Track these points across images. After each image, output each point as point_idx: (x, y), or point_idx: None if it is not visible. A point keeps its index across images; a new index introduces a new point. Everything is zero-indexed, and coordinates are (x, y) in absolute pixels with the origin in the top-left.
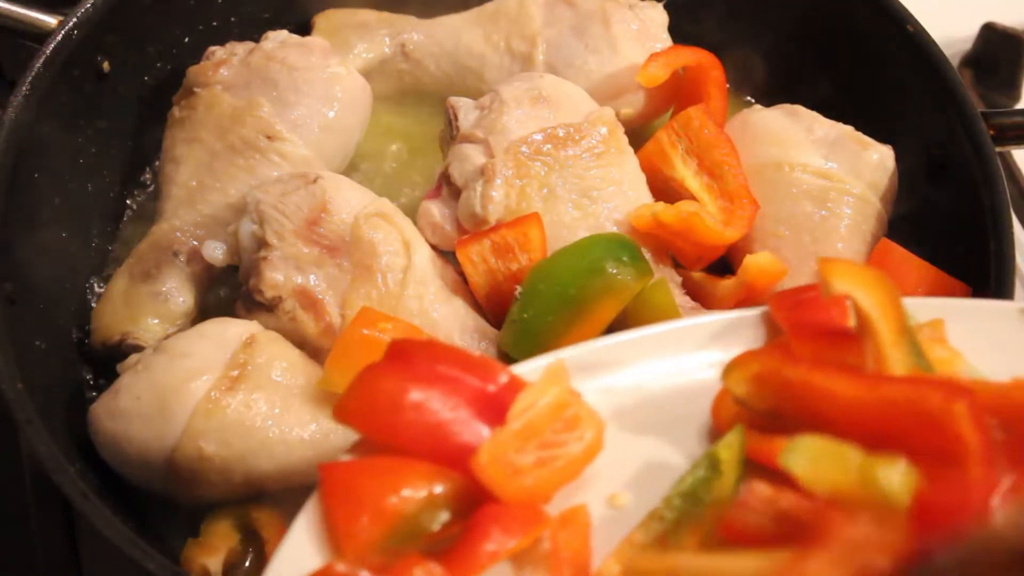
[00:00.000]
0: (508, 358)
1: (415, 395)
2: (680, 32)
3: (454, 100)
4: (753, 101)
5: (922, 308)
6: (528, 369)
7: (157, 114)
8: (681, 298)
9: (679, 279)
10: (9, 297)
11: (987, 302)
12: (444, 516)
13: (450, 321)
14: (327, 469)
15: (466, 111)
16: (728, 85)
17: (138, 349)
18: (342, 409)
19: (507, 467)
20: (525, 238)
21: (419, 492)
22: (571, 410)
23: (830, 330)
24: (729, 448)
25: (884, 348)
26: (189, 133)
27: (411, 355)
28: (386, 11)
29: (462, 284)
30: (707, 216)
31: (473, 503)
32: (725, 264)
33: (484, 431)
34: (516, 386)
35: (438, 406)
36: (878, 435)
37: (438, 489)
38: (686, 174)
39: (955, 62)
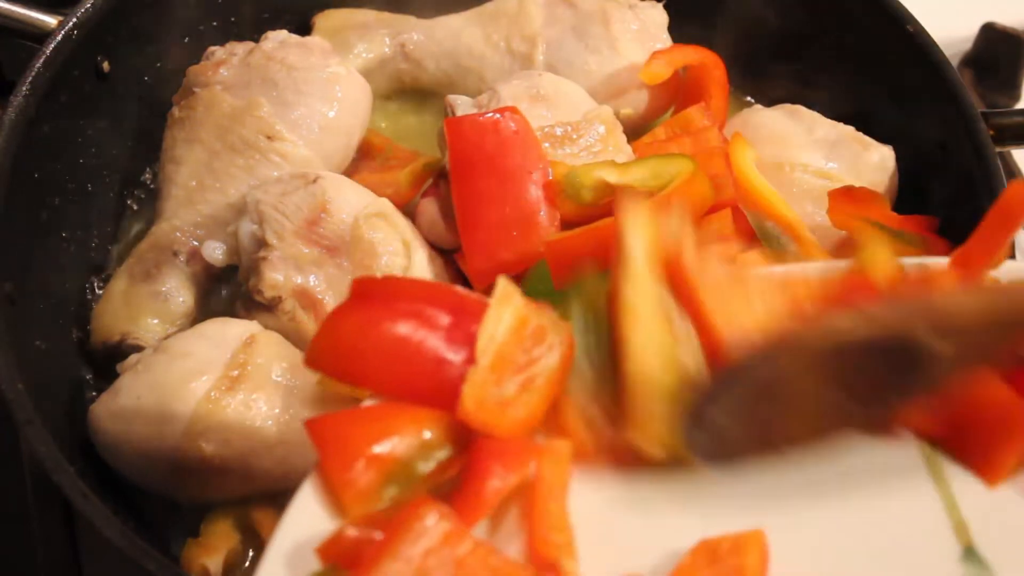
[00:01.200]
0: None
1: (382, 329)
2: (680, 32)
3: (452, 98)
4: (753, 101)
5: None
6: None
7: (157, 114)
8: None
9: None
10: (9, 297)
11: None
12: (440, 456)
13: None
14: (314, 424)
15: (464, 108)
16: (729, 85)
17: (138, 349)
18: (312, 356)
19: (494, 405)
20: None
21: (408, 435)
22: (532, 323)
23: None
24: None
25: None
26: (189, 133)
27: (373, 293)
28: (386, 11)
29: (460, 283)
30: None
31: (466, 439)
32: None
33: (457, 358)
34: (480, 308)
35: (406, 338)
36: None
37: (428, 431)
38: None
39: (955, 62)
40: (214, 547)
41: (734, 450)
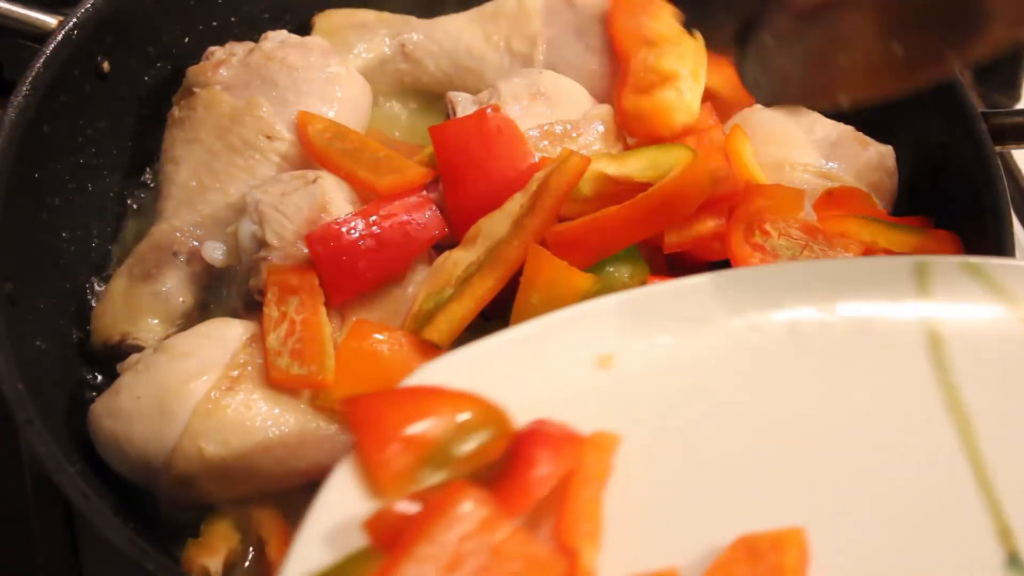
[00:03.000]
0: None
1: None
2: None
3: (453, 95)
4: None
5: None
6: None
7: (157, 114)
8: None
9: None
10: (9, 297)
11: None
12: (478, 439)
13: None
14: (350, 403)
15: (464, 105)
16: None
17: (138, 349)
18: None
19: None
20: None
21: (445, 416)
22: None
23: None
24: None
25: None
26: (189, 133)
27: None
28: (386, 11)
29: None
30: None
31: (506, 424)
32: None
33: None
34: None
35: None
36: None
37: (465, 413)
38: None
39: None
40: (214, 547)
41: (791, 89)
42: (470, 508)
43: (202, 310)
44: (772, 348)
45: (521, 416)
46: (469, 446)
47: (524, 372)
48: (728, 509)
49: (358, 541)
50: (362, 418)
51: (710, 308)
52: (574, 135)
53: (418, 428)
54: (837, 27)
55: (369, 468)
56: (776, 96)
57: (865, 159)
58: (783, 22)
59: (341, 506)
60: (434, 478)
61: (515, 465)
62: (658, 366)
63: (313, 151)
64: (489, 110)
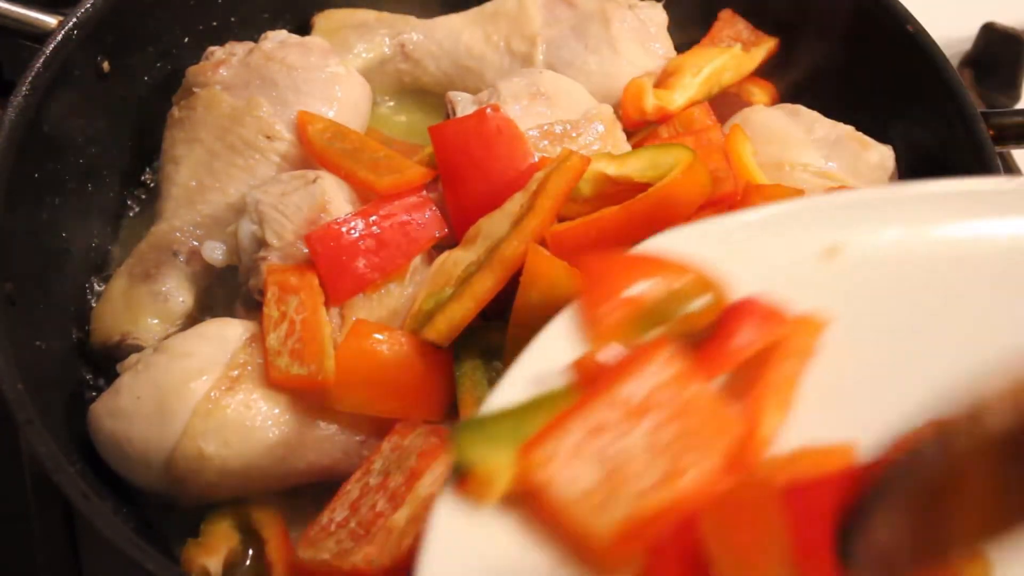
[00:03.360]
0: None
1: None
2: (680, 32)
3: (453, 95)
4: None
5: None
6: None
7: (157, 114)
8: None
9: None
10: (9, 297)
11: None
12: (695, 305)
13: None
14: (584, 260)
15: (464, 105)
16: None
17: (138, 349)
18: None
19: None
20: None
21: (666, 281)
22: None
23: None
24: None
25: None
26: (189, 133)
27: None
28: (386, 11)
29: None
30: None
31: (723, 293)
32: None
33: None
34: None
35: None
36: None
37: (685, 280)
38: None
39: (955, 62)
40: (214, 547)
41: (902, 566)
42: (667, 361)
43: (202, 310)
44: (990, 258)
45: (739, 291)
46: (684, 310)
47: (751, 251)
48: (916, 399)
49: (561, 382)
50: (590, 273)
51: (941, 213)
52: (574, 135)
53: (639, 288)
54: (954, 493)
55: (587, 320)
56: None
57: (865, 159)
58: (897, 506)
59: (554, 351)
60: (646, 336)
61: (721, 330)
62: (880, 262)
63: (313, 151)
64: (489, 110)
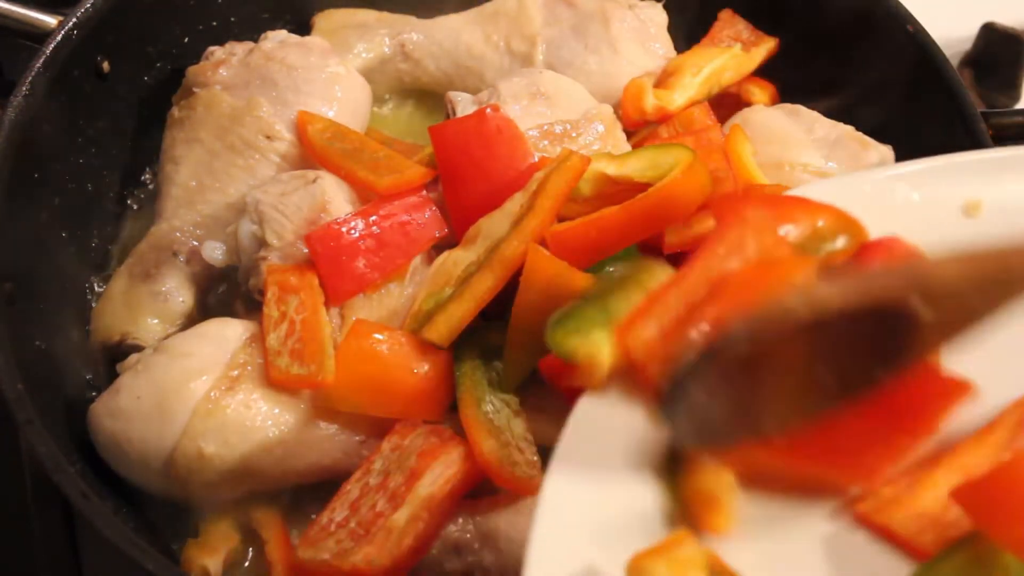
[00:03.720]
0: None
1: None
2: (679, 32)
3: (453, 95)
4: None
5: None
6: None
7: (157, 114)
8: None
9: None
10: (9, 297)
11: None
12: (832, 246)
13: None
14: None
15: (464, 105)
16: None
17: (138, 349)
18: None
19: None
20: None
21: (804, 223)
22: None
23: None
24: None
25: None
26: (189, 133)
27: None
28: (386, 11)
29: None
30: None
31: (860, 234)
32: None
33: None
34: None
35: None
36: None
37: (822, 220)
38: None
39: (955, 62)
40: (214, 547)
41: (715, 430)
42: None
43: (202, 310)
44: None
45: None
46: (825, 246)
47: (894, 204)
48: None
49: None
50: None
51: None
52: (574, 135)
53: (785, 229)
54: (766, 370)
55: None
56: (698, 433)
57: (865, 159)
58: (711, 376)
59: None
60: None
61: (855, 260)
62: (1019, 215)
63: (313, 151)
64: (489, 110)
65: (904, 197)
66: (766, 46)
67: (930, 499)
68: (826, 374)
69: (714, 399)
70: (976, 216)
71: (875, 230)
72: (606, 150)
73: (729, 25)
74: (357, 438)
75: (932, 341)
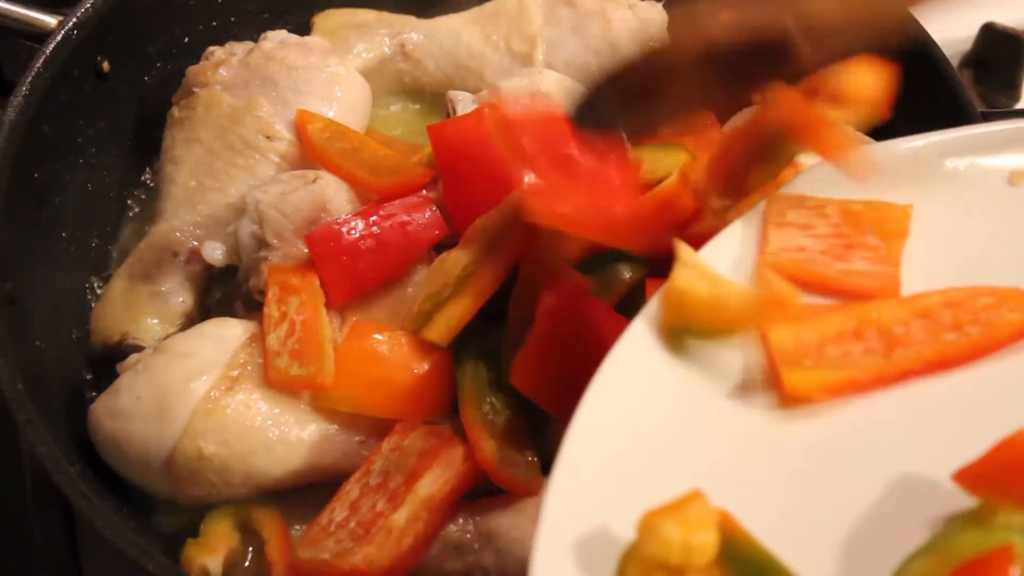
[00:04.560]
0: None
1: None
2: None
3: (453, 94)
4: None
5: None
6: None
7: (157, 114)
8: None
9: None
10: (9, 297)
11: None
12: None
13: None
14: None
15: (464, 104)
16: None
17: (138, 349)
18: None
19: None
20: None
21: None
22: None
23: None
24: None
25: None
26: (188, 133)
27: None
28: (386, 11)
29: None
30: None
31: None
32: None
33: None
34: None
35: None
36: None
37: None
38: None
39: (955, 62)
40: (214, 547)
41: (614, 125)
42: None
43: (202, 310)
44: None
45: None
46: None
47: (939, 172)
48: None
49: None
50: None
51: None
52: None
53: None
54: (659, 89)
55: None
56: (599, 127)
57: None
58: (612, 97)
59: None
60: None
61: None
62: None
63: (313, 151)
64: (488, 110)
65: (948, 166)
66: None
67: (815, 331)
68: (714, 85)
69: (615, 107)
70: (1021, 184)
71: (921, 200)
72: None
73: None
74: (357, 438)
75: (807, 65)
